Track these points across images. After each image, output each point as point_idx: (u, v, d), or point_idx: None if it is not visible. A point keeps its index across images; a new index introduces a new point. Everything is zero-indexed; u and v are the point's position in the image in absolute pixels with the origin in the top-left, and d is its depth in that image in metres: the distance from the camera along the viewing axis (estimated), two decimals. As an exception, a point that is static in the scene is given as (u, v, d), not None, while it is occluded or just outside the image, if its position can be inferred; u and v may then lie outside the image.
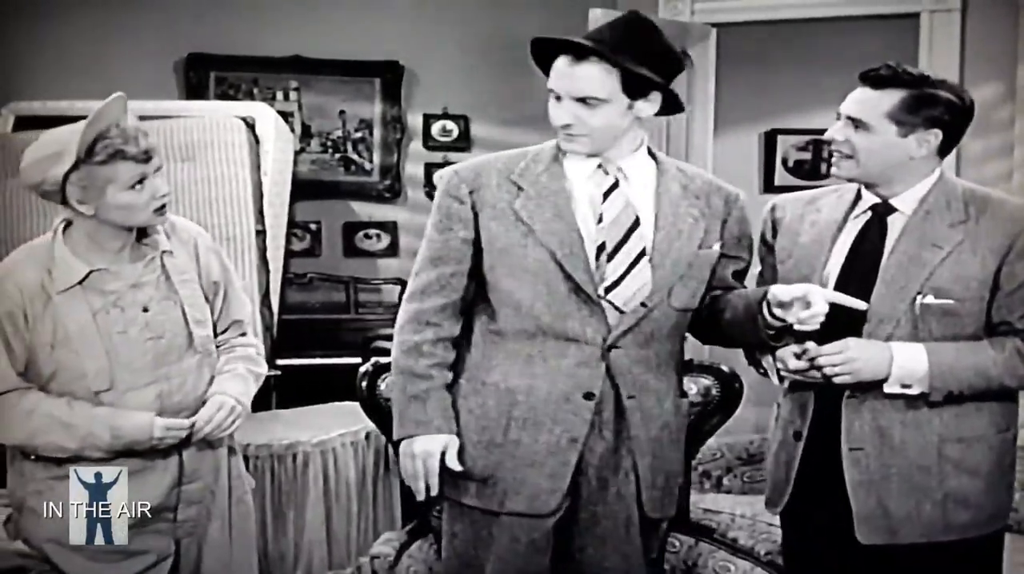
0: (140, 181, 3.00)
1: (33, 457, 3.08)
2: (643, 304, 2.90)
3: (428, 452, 2.90)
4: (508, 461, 2.91)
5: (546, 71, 2.90)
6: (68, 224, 3.09)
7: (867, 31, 6.50)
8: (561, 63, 2.86)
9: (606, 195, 2.92)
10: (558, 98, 2.88)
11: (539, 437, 2.90)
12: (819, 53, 6.97)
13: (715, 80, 6.53)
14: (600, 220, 2.90)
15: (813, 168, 7.47)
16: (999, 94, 5.78)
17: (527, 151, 3.00)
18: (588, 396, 2.90)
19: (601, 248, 2.89)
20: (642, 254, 2.90)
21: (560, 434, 2.90)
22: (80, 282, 3.03)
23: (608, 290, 2.89)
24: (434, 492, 2.92)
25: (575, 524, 2.97)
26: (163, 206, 3.06)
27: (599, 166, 2.93)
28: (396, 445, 3.00)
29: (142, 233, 3.12)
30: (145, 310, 3.08)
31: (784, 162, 7.59)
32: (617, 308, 2.90)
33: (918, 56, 5.89)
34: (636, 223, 2.92)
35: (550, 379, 2.90)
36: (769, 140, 7.61)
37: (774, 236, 3.14)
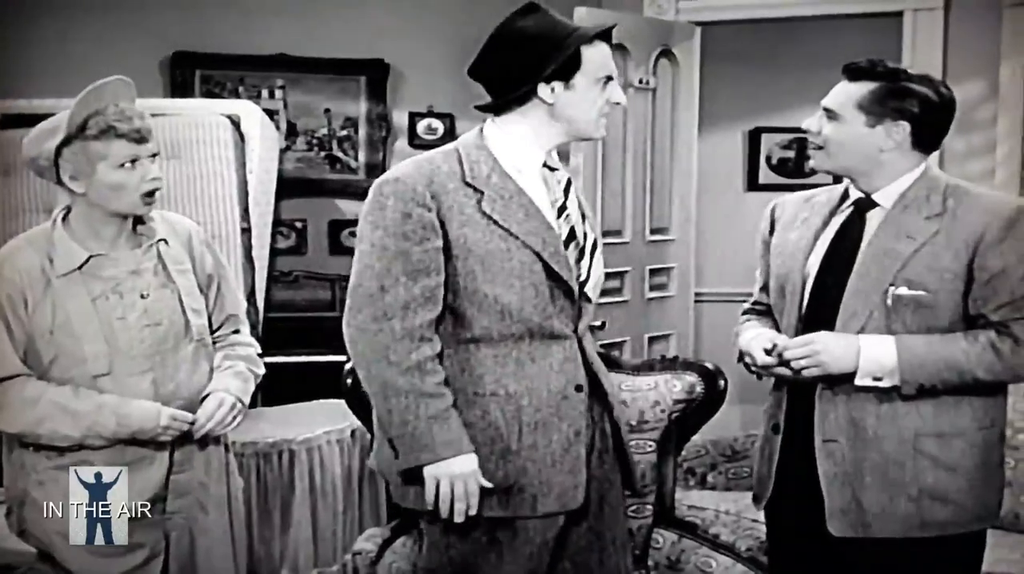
0: (133, 162, 3.02)
1: (33, 447, 3.08)
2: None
3: (468, 473, 2.81)
4: (529, 466, 2.87)
5: (565, 64, 2.86)
6: (67, 213, 3.11)
7: (851, 29, 6.54)
8: (608, 49, 2.91)
9: (566, 191, 2.95)
10: (609, 79, 2.91)
11: (551, 436, 2.88)
12: (803, 52, 7.02)
13: (699, 79, 6.55)
14: (560, 215, 2.91)
15: (797, 166, 7.52)
16: (982, 92, 5.82)
17: (455, 153, 2.93)
18: (579, 389, 2.92)
19: (567, 244, 2.90)
20: (595, 245, 2.96)
21: (567, 430, 2.90)
22: (79, 267, 3.05)
23: (583, 284, 2.93)
24: (473, 512, 2.84)
25: None
26: (153, 191, 3.07)
27: (544, 163, 2.94)
28: (408, 473, 2.86)
29: (138, 221, 3.14)
30: (143, 297, 3.09)
31: (768, 160, 7.63)
32: (589, 300, 2.95)
33: (901, 54, 5.92)
34: (583, 216, 2.97)
35: (544, 379, 2.88)
36: (753, 138, 7.66)
37: (771, 234, 3.17)
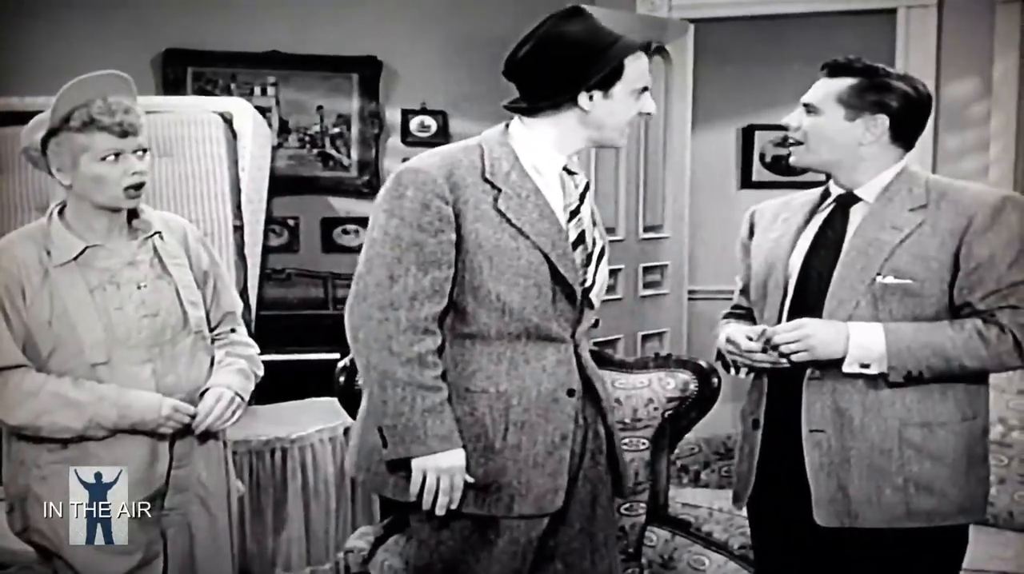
0: (116, 155, 3.01)
1: (33, 441, 3.06)
2: None
3: (456, 468, 2.82)
4: (510, 465, 2.88)
5: (612, 74, 2.86)
6: (63, 207, 3.11)
7: (844, 27, 6.54)
8: (647, 59, 2.92)
9: (582, 196, 2.95)
10: (645, 90, 2.91)
11: (536, 438, 2.88)
12: (796, 49, 6.99)
13: (692, 76, 6.55)
14: (571, 219, 2.91)
15: (790, 164, 7.50)
16: (975, 90, 5.83)
17: (477, 148, 2.92)
18: (571, 393, 2.92)
19: (574, 247, 2.90)
20: (603, 252, 2.97)
21: (552, 433, 2.90)
22: (76, 258, 3.05)
23: (587, 290, 2.92)
24: (455, 506, 2.85)
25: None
26: (137, 186, 3.06)
27: (564, 167, 2.94)
28: (394, 463, 2.86)
29: (133, 215, 3.14)
30: (139, 287, 3.09)
31: (761, 158, 7.63)
32: (591, 306, 2.95)
33: (895, 52, 5.93)
34: (594, 222, 2.98)
35: (536, 380, 2.88)
36: (746, 136, 7.65)
37: (750, 237, 3.20)
